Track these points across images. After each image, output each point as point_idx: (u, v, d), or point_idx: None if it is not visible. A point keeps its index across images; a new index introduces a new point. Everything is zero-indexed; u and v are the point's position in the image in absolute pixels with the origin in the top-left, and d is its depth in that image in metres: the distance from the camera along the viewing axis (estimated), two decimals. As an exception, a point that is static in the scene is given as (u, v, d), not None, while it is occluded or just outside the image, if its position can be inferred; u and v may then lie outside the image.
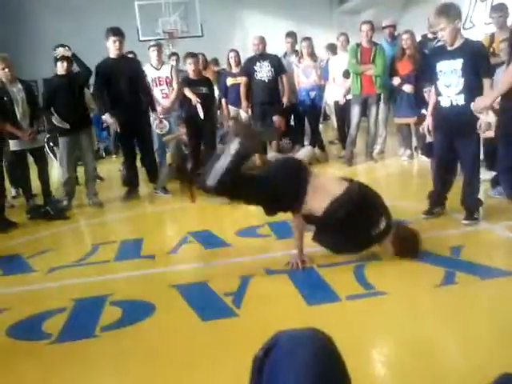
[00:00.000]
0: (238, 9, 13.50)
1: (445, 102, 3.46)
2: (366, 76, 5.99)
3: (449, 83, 3.40)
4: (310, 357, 0.92)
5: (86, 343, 2.30)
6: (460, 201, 3.62)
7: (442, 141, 3.63)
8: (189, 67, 5.62)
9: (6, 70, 4.75)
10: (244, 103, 6.35)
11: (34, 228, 4.49)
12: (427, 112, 3.92)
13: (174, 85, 5.75)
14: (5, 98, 4.73)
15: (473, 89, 3.31)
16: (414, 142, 6.42)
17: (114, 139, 8.55)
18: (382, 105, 6.40)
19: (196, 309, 2.51)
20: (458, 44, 3.34)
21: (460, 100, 3.37)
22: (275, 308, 2.43)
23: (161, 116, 5.48)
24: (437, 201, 3.75)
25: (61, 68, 4.95)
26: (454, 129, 3.46)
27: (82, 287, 2.96)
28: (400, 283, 2.62)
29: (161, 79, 5.96)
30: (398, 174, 5.74)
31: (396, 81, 6.09)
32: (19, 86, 4.91)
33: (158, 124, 5.44)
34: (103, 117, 5.30)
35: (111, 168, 7.46)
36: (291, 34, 6.86)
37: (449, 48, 3.39)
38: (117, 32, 5.09)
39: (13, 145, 4.92)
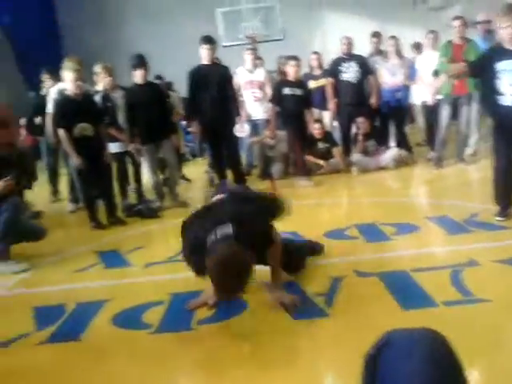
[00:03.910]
0: (318, 11, 13.43)
1: (507, 101, 3.42)
2: (458, 75, 5.71)
3: None
4: (426, 356, 0.90)
5: (183, 335, 2.41)
6: None
7: (502, 140, 3.62)
8: (291, 69, 5.71)
9: (109, 78, 5.13)
10: (331, 104, 6.32)
11: (130, 226, 4.76)
12: None
13: (268, 89, 5.87)
14: (109, 104, 5.07)
15: None
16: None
17: (199, 142, 8.84)
18: (474, 105, 6.08)
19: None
20: None
21: None
22: (368, 310, 2.40)
23: (243, 120, 5.60)
24: (506, 202, 3.67)
25: (138, 76, 4.97)
26: None
27: (177, 282, 3.09)
28: (501, 290, 2.48)
29: (253, 82, 6.12)
30: (490, 177, 5.40)
31: (490, 79, 5.77)
32: (120, 92, 5.26)
33: (238, 128, 5.56)
34: (183, 122, 5.53)
35: (197, 170, 7.72)
36: (377, 34, 6.74)
37: (509, 47, 3.41)
38: (207, 40, 5.28)
39: (114, 147, 5.14)
